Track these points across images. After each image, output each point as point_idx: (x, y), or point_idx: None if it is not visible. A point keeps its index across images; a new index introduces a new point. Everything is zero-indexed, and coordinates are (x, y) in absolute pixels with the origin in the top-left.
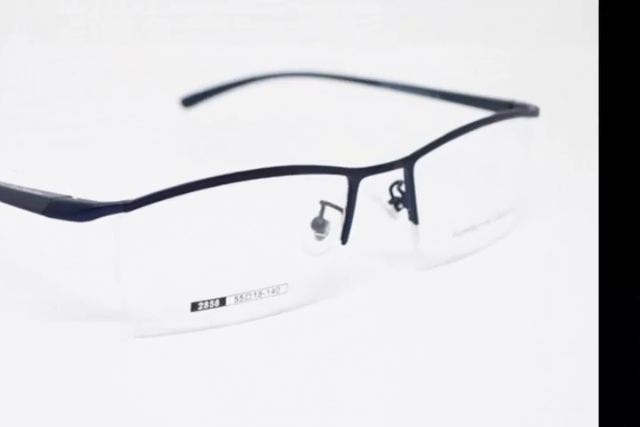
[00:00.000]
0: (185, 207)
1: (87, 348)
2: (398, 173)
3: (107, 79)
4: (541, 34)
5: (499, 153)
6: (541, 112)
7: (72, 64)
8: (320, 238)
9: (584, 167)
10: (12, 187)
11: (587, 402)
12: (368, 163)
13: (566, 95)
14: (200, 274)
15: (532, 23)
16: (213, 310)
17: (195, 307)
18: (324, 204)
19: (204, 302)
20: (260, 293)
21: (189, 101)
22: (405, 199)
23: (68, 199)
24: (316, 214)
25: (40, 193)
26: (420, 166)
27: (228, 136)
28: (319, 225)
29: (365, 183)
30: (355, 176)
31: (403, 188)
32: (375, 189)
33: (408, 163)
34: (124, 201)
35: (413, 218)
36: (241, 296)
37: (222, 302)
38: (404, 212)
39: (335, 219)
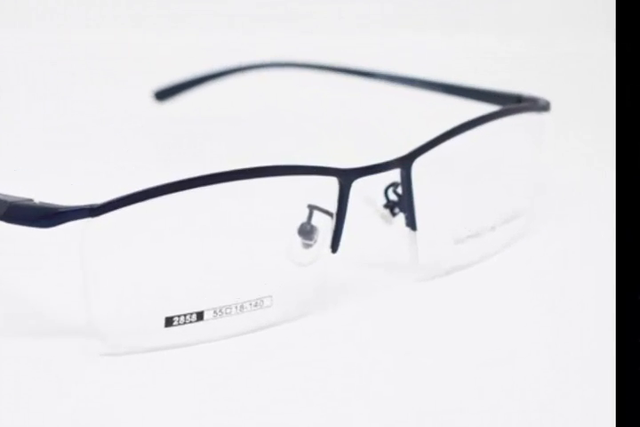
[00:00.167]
0: (158, 212)
1: (47, 367)
2: (394, 174)
3: (73, 67)
4: (554, 21)
5: (505, 152)
6: (553, 106)
7: (40, 50)
8: (308, 246)
9: (600, 167)
10: None
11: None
12: (361, 162)
13: (580, 87)
14: (175, 286)
15: (544, 9)
16: (190, 325)
17: (169, 322)
18: (312, 208)
19: (179, 316)
20: (242, 306)
21: (163, 95)
22: (402, 203)
23: (29, 203)
24: (304, 220)
25: None
26: (418, 166)
27: (205, 133)
28: (307, 232)
29: (358, 185)
30: (346, 177)
31: (399, 190)
32: (369, 192)
33: (405, 163)
34: (90, 205)
35: (411, 224)
36: (220, 310)
37: (200, 316)
38: (401, 217)
39: (324, 225)
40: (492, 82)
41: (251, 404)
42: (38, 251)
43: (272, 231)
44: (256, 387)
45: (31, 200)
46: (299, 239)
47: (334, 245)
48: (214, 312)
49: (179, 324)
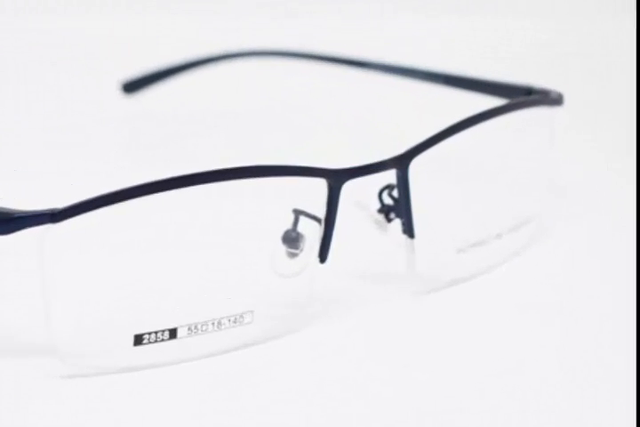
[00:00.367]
0: (127, 217)
1: (1, 390)
2: (390, 176)
3: (38, 55)
4: (568, 4)
5: (513, 150)
6: (566, 100)
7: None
8: (293, 256)
9: (619, 167)
10: None
11: None
12: (352, 162)
13: (597, 78)
14: (146, 300)
15: None
16: (162, 343)
17: (139, 340)
18: (297, 213)
19: (150, 333)
20: (220, 323)
21: (132, 87)
22: (398, 207)
23: None
24: (289, 226)
25: None
26: (416, 167)
27: (179, 129)
28: (292, 239)
29: (349, 187)
30: (336, 179)
31: (395, 193)
32: (361, 195)
33: (402, 162)
34: (51, 209)
35: (408, 230)
36: (195, 327)
37: (173, 333)
38: (397, 223)
39: (312, 232)
40: (499, 72)
41: None
42: None
43: (253, 239)
44: (236, 412)
45: None
46: (283, 248)
47: (323, 255)
48: (189, 329)
49: (149, 342)
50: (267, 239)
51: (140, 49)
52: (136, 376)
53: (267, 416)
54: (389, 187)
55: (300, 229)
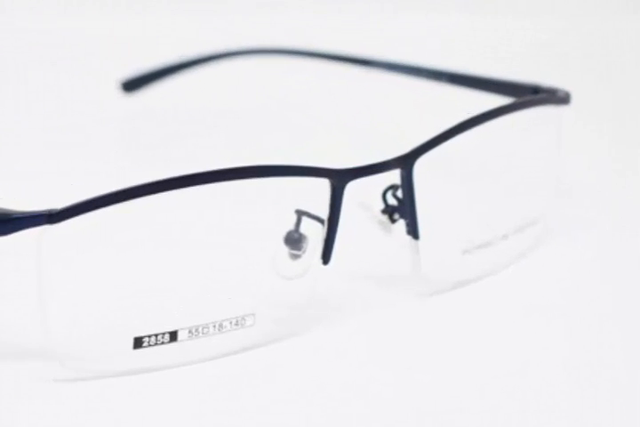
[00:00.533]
0: (126, 218)
1: (0, 393)
2: (394, 176)
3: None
4: (568, 4)
5: (519, 150)
6: (574, 98)
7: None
8: (296, 257)
9: (627, 167)
10: None
11: None
12: (356, 162)
13: (597, 79)
14: (145, 302)
15: None
16: (162, 346)
17: (138, 343)
18: (300, 214)
19: (150, 336)
20: (221, 325)
21: (131, 86)
22: (402, 208)
23: None
24: (291, 227)
25: None
26: (420, 167)
27: (180, 129)
28: (294, 240)
29: (352, 188)
30: (339, 179)
31: (399, 193)
32: (365, 196)
33: (406, 162)
34: (49, 210)
35: (413, 231)
36: (196, 330)
37: (173, 336)
38: (401, 224)
39: (315, 233)
40: (506, 70)
41: None
42: None
43: (255, 240)
44: (238, 415)
45: None
46: (285, 249)
47: (326, 256)
48: (189, 332)
49: (149, 345)
50: (269, 240)
51: (140, 47)
52: (136, 380)
53: (268, 420)
54: (393, 187)
55: (302, 230)
